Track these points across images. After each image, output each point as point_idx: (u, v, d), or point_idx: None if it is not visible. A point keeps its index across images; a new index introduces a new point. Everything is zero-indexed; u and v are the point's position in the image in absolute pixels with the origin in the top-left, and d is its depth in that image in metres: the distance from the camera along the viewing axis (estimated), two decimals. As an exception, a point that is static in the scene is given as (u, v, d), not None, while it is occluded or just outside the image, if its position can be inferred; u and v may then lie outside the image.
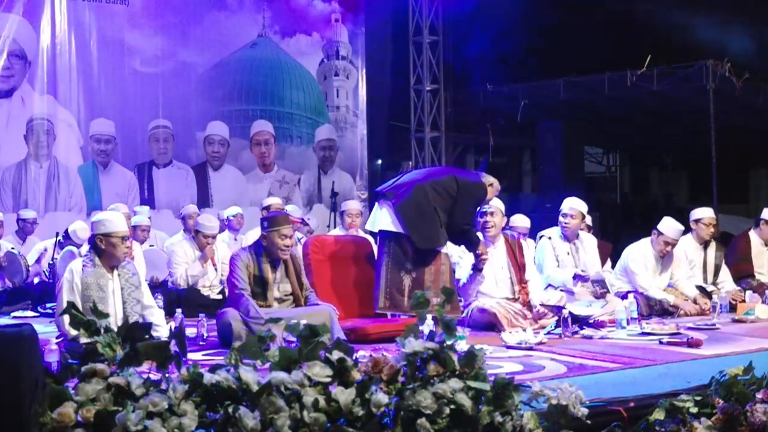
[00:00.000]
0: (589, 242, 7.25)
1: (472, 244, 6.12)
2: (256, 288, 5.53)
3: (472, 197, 6.03)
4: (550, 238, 7.05)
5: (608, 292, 7.03)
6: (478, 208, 6.27)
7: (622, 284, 7.25)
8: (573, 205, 7.06)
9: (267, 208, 8.71)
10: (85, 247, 6.01)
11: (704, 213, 7.78)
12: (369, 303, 6.17)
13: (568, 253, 7.00)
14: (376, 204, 6.16)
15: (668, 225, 7.22)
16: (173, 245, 8.10)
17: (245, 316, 5.28)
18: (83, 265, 4.99)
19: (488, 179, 6.22)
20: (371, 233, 6.71)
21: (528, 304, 6.35)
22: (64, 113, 10.31)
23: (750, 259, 8.08)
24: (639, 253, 7.27)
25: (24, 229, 8.94)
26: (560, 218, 7.07)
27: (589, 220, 8.39)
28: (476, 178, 6.17)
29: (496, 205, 6.41)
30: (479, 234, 6.24)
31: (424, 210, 5.88)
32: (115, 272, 5.08)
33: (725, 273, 7.74)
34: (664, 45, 12.68)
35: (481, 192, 6.08)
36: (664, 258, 7.30)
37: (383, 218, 5.98)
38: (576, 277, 6.81)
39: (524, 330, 5.71)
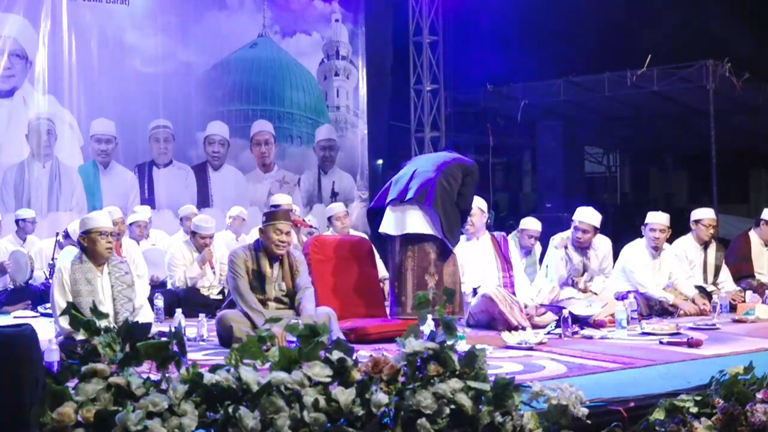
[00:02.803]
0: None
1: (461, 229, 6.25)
2: (254, 282, 5.50)
3: (474, 181, 6.07)
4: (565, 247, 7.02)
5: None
6: None
7: (621, 284, 7.25)
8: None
9: (275, 206, 8.66)
10: (80, 247, 6.06)
11: (704, 214, 7.78)
12: (369, 303, 6.17)
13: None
14: (389, 208, 6.01)
15: (652, 215, 7.35)
16: (171, 247, 8.09)
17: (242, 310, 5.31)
18: (71, 263, 5.08)
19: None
20: (375, 236, 6.58)
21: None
22: (65, 113, 10.31)
23: (750, 259, 8.08)
24: (635, 251, 7.31)
25: (24, 229, 8.91)
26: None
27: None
28: (469, 160, 6.22)
29: (477, 204, 6.42)
30: None
31: (450, 206, 5.88)
32: (105, 269, 5.16)
33: (725, 273, 7.74)
34: (664, 45, 12.68)
35: (477, 173, 6.14)
36: (660, 254, 7.32)
37: (411, 221, 5.89)
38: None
39: (524, 329, 5.72)
